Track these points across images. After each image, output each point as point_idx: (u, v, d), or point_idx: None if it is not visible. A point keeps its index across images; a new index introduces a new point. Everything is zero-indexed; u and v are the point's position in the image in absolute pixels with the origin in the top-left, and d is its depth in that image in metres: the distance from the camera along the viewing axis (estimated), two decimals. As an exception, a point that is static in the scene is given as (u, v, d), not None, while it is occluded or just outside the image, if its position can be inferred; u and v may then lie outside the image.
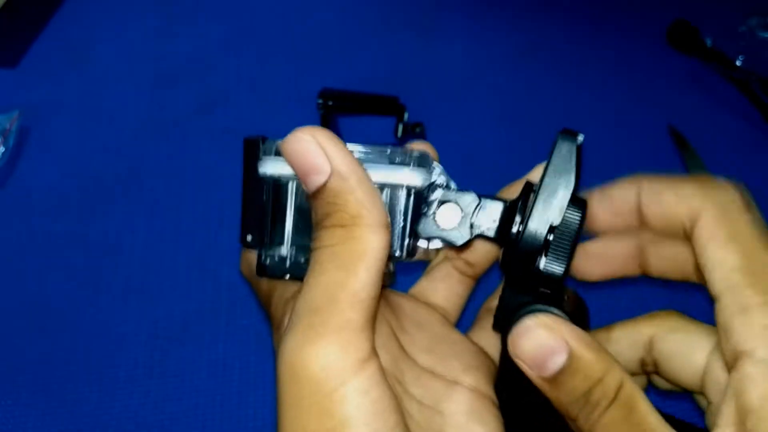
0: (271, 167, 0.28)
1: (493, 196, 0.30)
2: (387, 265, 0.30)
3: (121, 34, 0.76)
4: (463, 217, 0.29)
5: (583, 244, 0.32)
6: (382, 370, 0.25)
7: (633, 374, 0.31)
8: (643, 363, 0.31)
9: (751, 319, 0.24)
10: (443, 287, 0.34)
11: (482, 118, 0.68)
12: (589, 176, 0.67)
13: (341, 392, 0.24)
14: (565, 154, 0.28)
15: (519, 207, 0.28)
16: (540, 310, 0.27)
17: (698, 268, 0.28)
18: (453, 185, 0.30)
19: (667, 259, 0.30)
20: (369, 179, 0.26)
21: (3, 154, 0.63)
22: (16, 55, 0.73)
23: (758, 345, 0.24)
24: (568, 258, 0.27)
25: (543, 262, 0.27)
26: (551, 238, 0.27)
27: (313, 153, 0.26)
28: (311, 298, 0.25)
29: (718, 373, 0.27)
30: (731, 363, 0.25)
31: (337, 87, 0.67)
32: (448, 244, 0.29)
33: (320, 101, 0.64)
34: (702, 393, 0.28)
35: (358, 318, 0.25)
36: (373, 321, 0.26)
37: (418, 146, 0.32)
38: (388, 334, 0.30)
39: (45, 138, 0.66)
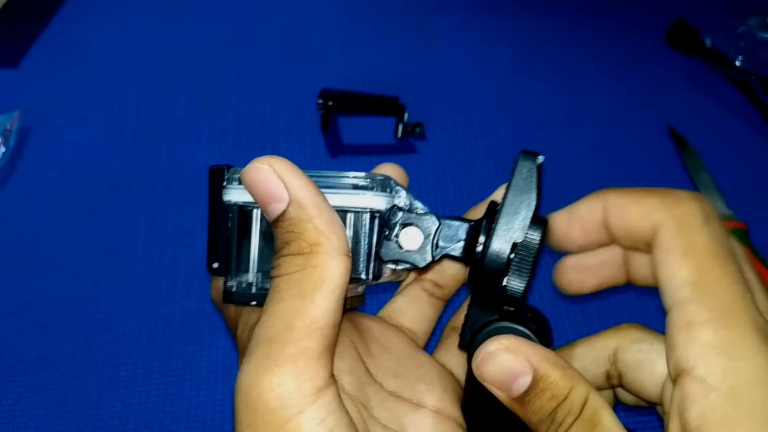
0: (236, 195, 0.29)
1: (458, 217, 0.30)
2: (355, 288, 0.31)
3: (121, 34, 0.76)
4: (425, 238, 0.29)
5: (566, 259, 0.32)
6: (340, 398, 0.25)
7: (599, 388, 0.31)
8: (608, 376, 0.31)
9: (694, 335, 0.24)
10: (412, 309, 0.35)
11: (482, 118, 0.68)
12: (590, 176, 0.67)
13: (296, 421, 0.24)
14: (525, 174, 0.28)
15: (483, 226, 0.28)
16: (504, 328, 0.27)
17: None
18: (419, 205, 0.30)
19: (649, 267, 0.30)
20: (328, 206, 0.26)
21: (3, 154, 0.63)
22: (16, 55, 0.73)
23: (698, 363, 0.23)
24: (530, 275, 0.27)
25: (506, 280, 0.27)
26: (513, 256, 0.27)
27: (271, 182, 0.26)
28: (268, 326, 0.25)
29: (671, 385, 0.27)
30: (674, 379, 0.24)
31: (337, 87, 0.67)
32: (412, 266, 0.30)
33: (320, 101, 0.64)
34: (660, 404, 0.28)
35: (315, 346, 0.24)
36: (332, 348, 0.25)
37: (386, 169, 0.33)
38: (353, 358, 0.30)
39: (45, 138, 0.66)
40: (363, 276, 0.29)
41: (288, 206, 0.26)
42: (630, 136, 0.67)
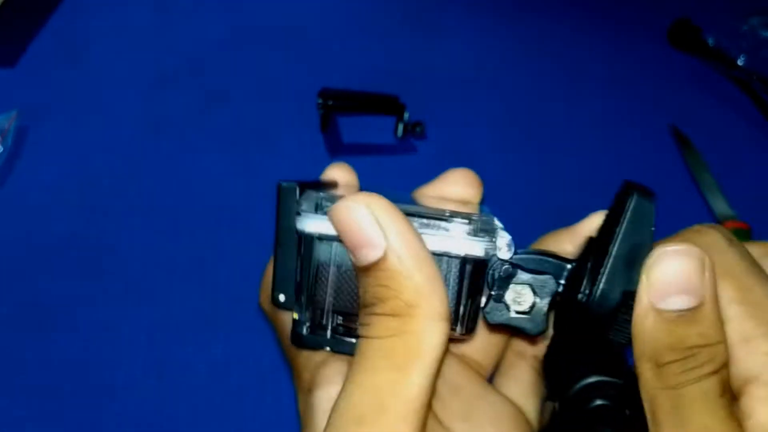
0: (313, 225, 0.25)
1: (554, 255, 0.27)
2: None
3: (119, 33, 0.76)
4: (538, 302, 0.26)
5: None
6: None
7: None
8: None
9: (753, 347, 0.24)
10: (480, 339, 0.32)
11: (482, 118, 0.68)
12: (592, 176, 0.67)
13: None
14: (642, 215, 0.25)
15: (588, 270, 0.26)
16: (603, 384, 0.25)
17: None
18: (508, 241, 0.27)
19: None
20: (431, 259, 0.23)
21: (1, 154, 0.63)
22: (14, 54, 0.73)
23: (764, 371, 0.23)
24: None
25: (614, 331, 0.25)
26: (622, 305, 0.25)
27: (365, 225, 0.23)
28: (357, 402, 0.22)
29: None
30: (738, 390, 0.24)
31: (337, 87, 0.67)
32: (520, 333, 0.27)
33: (320, 101, 0.64)
34: None
35: (410, 431, 0.22)
36: (424, 429, 0.23)
37: (458, 177, 0.30)
38: None
39: (43, 138, 0.66)
40: (458, 332, 0.26)
41: (385, 255, 0.22)
42: (632, 135, 0.66)
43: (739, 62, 0.70)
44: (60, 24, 0.76)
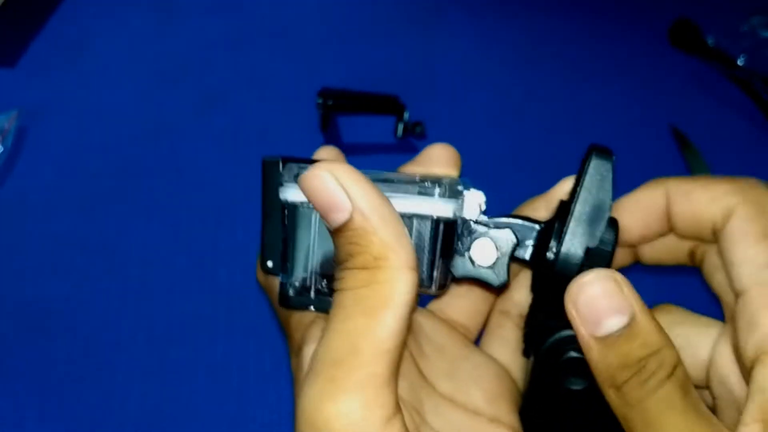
0: (293, 194, 0.27)
1: (526, 217, 0.29)
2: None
3: (119, 33, 0.76)
4: (500, 256, 0.28)
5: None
6: (407, 426, 0.24)
7: None
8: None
9: None
10: (465, 303, 0.33)
11: (482, 118, 0.68)
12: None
13: None
14: (601, 174, 0.27)
15: (555, 230, 0.27)
16: (572, 337, 0.26)
17: (692, 256, 0.29)
18: (481, 200, 0.28)
19: (659, 245, 0.30)
20: (395, 216, 0.25)
21: (1, 154, 0.63)
22: (14, 54, 0.73)
23: None
24: None
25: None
26: (587, 262, 0.26)
27: (331, 190, 0.24)
28: (333, 347, 0.24)
29: (725, 367, 0.27)
30: (754, 357, 0.24)
31: (337, 86, 0.67)
32: (484, 284, 0.28)
33: (320, 101, 0.64)
34: (707, 388, 0.28)
35: (383, 371, 0.23)
36: (397, 371, 0.24)
37: (438, 150, 0.31)
38: (406, 360, 0.29)
39: (43, 138, 0.66)
40: (428, 287, 0.27)
41: (351, 216, 0.24)
42: (632, 135, 0.66)
43: (740, 62, 0.70)
44: (60, 24, 0.77)
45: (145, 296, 0.55)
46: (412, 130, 0.64)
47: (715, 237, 0.28)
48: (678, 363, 0.24)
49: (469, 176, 0.70)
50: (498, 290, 0.31)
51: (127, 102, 0.69)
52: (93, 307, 0.55)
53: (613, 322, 0.23)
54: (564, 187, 0.31)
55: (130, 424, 0.49)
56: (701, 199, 0.28)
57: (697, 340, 0.28)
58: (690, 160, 0.63)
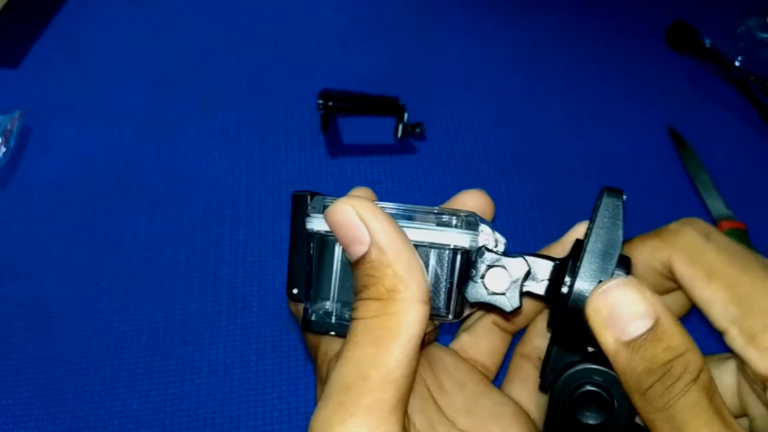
0: (319, 224, 0.28)
1: (543, 255, 0.30)
2: (432, 323, 0.30)
3: (121, 34, 0.76)
4: (513, 282, 0.29)
5: None
6: None
7: None
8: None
9: (762, 344, 0.25)
10: (485, 343, 0.34)
11: (482, 118, 0.68)
12: (590, 176, 0.68)
13: None
14: (611, 212, 0.28)
15: (569, 267, 0.28)
16: (589, 370, 0.27)
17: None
18: (500, 241, 0.30)
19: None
20: (410, 251, 0.26)
21: (4, 154, 0.64)
22: (17, 55, 0.73)
23: None
24: None
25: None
26: None
27: (352, 224, 0.26)
28: (345, 373, 0.25)
29: (752, 390, 0.28)
30: (762, 385, 0.26)
31: (337, 87, 0.67)
32: (497, 310, 0.29)
33: (320, 101, 0.64)
34: (745, 415, 0.29)
35: (389, 398, 0.24)
36: (405, 399, 0.25)
37: (470, 197, 0.32)
38: (425, 396, 0.30)
39: (46, 138, 0.66)
40: (445, 315, 0.28)
41: (369, 249, 0.26)
42: (629, 136, 0.67)
43: (736, 63, 0.70)
44: (62, 25, 0.77)
45: (147, 295, 0.56)
46: (412, 131, 0.64)
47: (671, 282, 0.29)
48: (703, 367, 0.24)
49: (469, 176, 0.70)
50: (510, 315, 0.32)
51: (130, 102, 0.70)
52: (96, 306, 0.55)
53: (638, 326, 0.24)
54: (578, 232, 0.31)
55: (131, 422, 0.49)
56: (646, 258, 0.29)
57: (719, 374, 0.29)
58: (687, 161, 0.63)
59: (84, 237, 0.59)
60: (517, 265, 0.29)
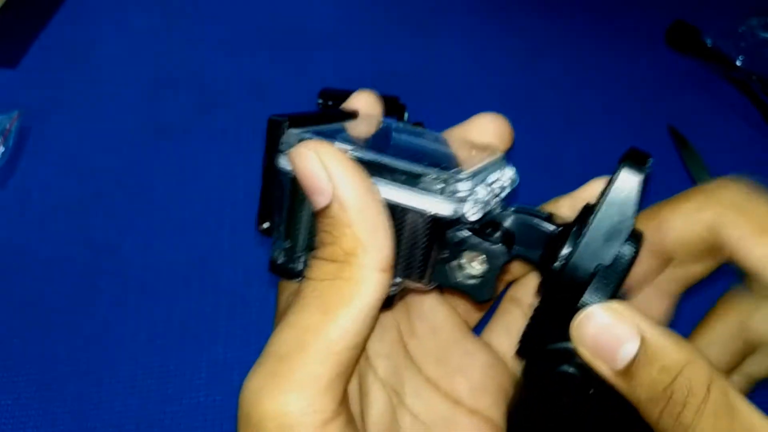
0: (287, 164, 0.25)
1: (544, 214, 0.27)
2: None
3: (121, 34, 0.76)
4: (488, 270, 0.25)
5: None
6: (350, 426, 0.23)
7: (730, 371, 0.29)
8: (742, 353, 0.28)
9: None
10: None
11: (482, 118, 0.68)
12: (591, 176, 0.67)
13: None
14: (627, 188, 0.24)
15: (571, 235, 0.25)
16: (572, 353, 0.24)
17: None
18: (507, 180, 0.26)
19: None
20: (377, 210, 0.23)
21: (3, 154, 0.63)
22: (16, 55, 0.73)
23: None
24: (612, 297, 0.24)
25: (583, 299, 0.24)
26: (597, 274, 0.24)
27: (314, 172, 0.23)
28: (283, 339, 0.23)
29: None
30: None
31: (337, 87, 0.67)
32: (467, 296, 0.26)
33: (320, 101, 0.64)
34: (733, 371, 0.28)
35: (327, 373, 0.22)
36: (348, 373, 0.23)
37: (486, 123, 0.29)
38: (394, 341, 0.28)
39: (45, 138, 0.66)
40: (418, 282, 0.25)
41: (330, 203, 0.23)
42: (631, 136, 0.67)
43: (738, 63, 0.70)
44: (62, 25, 0.77)
45: (147, 296, 0.55)
46: (412, 131, 0.64)
47: (715, 251, 0.26)
48: (712, 379, 0.21)
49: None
50: (480, 305, 0.29)
51: (129, 102, 0.69)
52: (94, 307, 0.55)
53: (626, 351, 0.22)
54: (592, 189, 0.29)
55: (131, 423, 0.49)
56: (681, 222, 0.27)
57: None
58: (688, 161, 0.63)
59: (83, 237, 0.59)
60: (498, 252, 0.25)
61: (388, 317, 0.28)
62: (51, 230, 0.60)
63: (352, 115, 0.31)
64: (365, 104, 0.30)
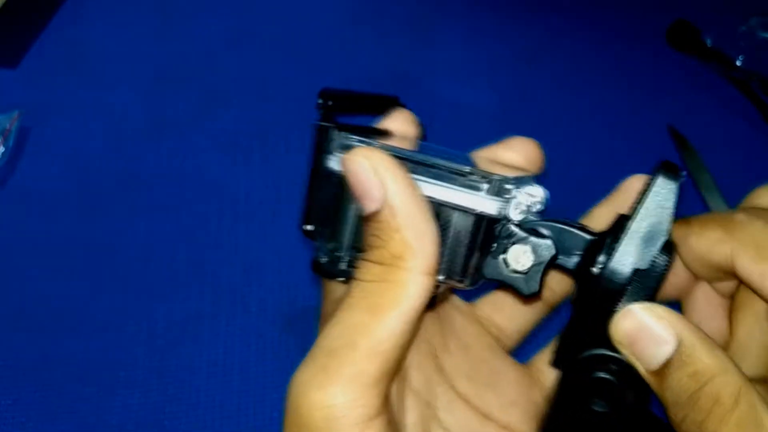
0: (339, 164, 0.26)
1: (579, 225, 0.27)
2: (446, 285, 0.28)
3: (121, 34, 0.76)
4: (536, 264, 0.26)
5: None
6: (390, 427, 0.24)
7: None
8: None
9: None
10: (510, 307, 0.32)
11: (482, 118, 0.68)
12: (591, 176, 0.67)
13: None
14: (664, 193, 0.25)
15: (606, 244, 0.26)
16: (608, 357, 0.25)
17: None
18: (539, 199, 0.27)
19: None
20: (425, 216, 0.24)
21: (3, 154, 0.63)
22: (16, 55, 0.73)
23: None
24: (650, 301, 0.25)
25: (622, 302, 0.25)
26: (633, 282, 0.25)
27: (366, 178, 0.24)
28: (333, 336, 0.24)
29: None
30: None
31: (337, 87, 0.67)
32: (514, 290, 0.27)
33: (320, 101, 0.64)
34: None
35: (374, 371, 0.23)
36: (392, 373, 0.24)
37: (517, 146, 0.30)
38: (427, 353, 0.29)
39: (45, 138, 0.66)
40: (460, 281, 0.26)
41: (381, 208, 0.24)
42: (631, 135, 0.67)
43: (738, 63, 0.70)
44: (61, 25, 0.77)
45: (147, 295, 0.55)
46: (412, 131, 0.64)
47: (731, 275, 0.27)
48: (741, 391, 0.22)
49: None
50: (527, 299, 0.29)
51: (129, 102, 0.69)
52: (95, 306, 0.55)
53: (661, 352, 0.23)
54: (633, 187, 0.30)
55: (131, 423, 0.49)
56: (702, 248, 0.27)
57: None
58: (688, 161, 0.63)
59: (83, 237, 0.59)
60: (545, 246, 0.26)
61: (421, 331, 0.29)
62: (51, 230, 0.60)
63: (386, 134, 0.32)
64: (401, 125, 0.32)
